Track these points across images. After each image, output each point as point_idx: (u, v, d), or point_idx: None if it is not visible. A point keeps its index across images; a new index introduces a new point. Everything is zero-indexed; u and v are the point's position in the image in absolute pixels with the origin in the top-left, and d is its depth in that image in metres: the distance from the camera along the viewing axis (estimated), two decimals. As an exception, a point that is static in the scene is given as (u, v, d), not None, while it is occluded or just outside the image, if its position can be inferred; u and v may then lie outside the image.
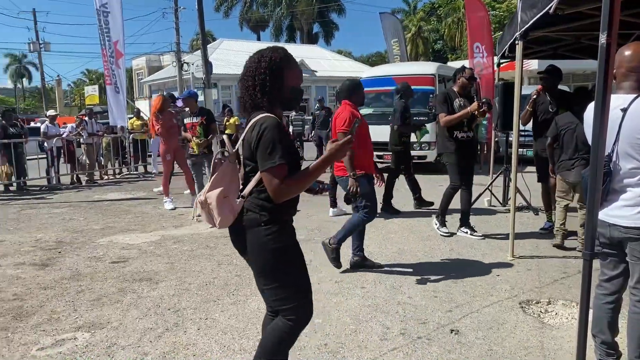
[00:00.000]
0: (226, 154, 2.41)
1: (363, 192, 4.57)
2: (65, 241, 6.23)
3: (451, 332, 3.50)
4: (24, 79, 65.06)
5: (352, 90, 4.98)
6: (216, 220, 2.33)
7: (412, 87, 11.29)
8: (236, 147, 2.41)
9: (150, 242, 6.10)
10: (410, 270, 4.79)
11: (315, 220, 7.08)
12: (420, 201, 7.84)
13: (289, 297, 2.34)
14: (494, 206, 7.69)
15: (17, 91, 65.68)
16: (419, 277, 4.61)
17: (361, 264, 4.91)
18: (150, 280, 4.68)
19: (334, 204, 7.50)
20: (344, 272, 4.82)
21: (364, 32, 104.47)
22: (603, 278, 2.77)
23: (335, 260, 4.73)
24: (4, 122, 10.96)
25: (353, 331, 3.55)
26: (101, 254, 5.61)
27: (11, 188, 10.97)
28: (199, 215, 2.44)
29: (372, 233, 6.26)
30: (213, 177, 2.37)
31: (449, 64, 21.23)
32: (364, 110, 12.45)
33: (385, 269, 4.89)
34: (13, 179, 10.94)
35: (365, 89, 12.65)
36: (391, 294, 4.22)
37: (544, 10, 3.98)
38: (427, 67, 12.42)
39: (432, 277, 4.61)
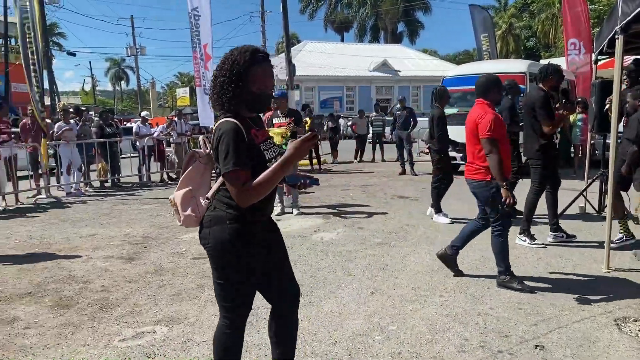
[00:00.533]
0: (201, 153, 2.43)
1: (501, 201, 4.18)
2: (151, 236, 6.50)
3: (536, 348, 3.26)
4: (122, 82, 69.45)
5: (490, 87, 4.57)
6: (180, 218, 2.38)
7: (502, 86, 10.85)
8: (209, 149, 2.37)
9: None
10: (494, 279, 4.53)
11: (393, 224, 6.92)
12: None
13: (232, 295, 2.36)
14: (588, 213, 7.16)
15: (116, 93, 70.25)
16: (502, 287, 4.35)
17: (447, 258, 4.68)
18: (228, 278, 4.75)
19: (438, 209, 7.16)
20: (422, 278, 4.65)
21: (451, 31, 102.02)
22: None
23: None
24: (101, 122, 11.73)
25: (429, 341, 3.40)
26: (184, 250, 5.80)
27: (106, 185, 11.68)
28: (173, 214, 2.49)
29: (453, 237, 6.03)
30: (182, 177, 2.41)
31: (542, 62, 20.14)
32: (449, 110, 12.09)
33: (467, 277, 4.66)
34: (108, 175, 11.65)
35: (451, 88, 12.31)
36: (471, 304, 4.01)
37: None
38: (518, 65, 11.84)
39: (517, 287, 4.32)
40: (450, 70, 13.61)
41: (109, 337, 3.55)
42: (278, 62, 25.83)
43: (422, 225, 6.77)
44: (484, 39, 18.26)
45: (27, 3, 9.88)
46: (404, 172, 12.33)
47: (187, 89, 41.43)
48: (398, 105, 13.44)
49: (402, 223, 6.90)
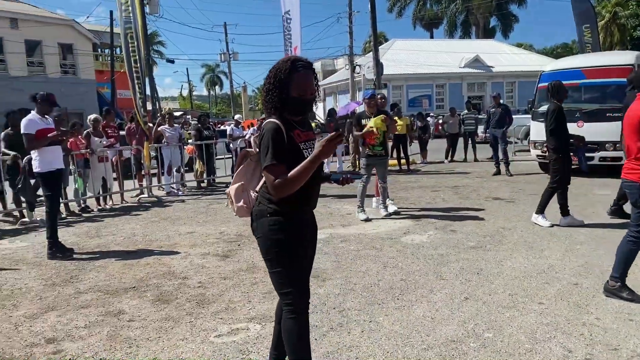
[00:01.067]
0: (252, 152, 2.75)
1: None
2: (245, 235, 6.70)
3: (652, 365, 2.98)
4: (216, 87, 72.52)
5: None
6: (234, 209, 2.73)
7: (606, 79, 10.03)
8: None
9: (319, 239, 6.25)
10: (599, 288, 4.21)
11: (488, 227, 6.65)
12: (618, 211, 6.81)
13: (287, 281, 2.56)
14: None
15: (210, 97, 73.52)
16: (609, 297, 4.02)
17: (617, 294, 4.03)
18: (318, 278, 4.78)
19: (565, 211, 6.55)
20: (520, 284, 4.42)
21: (547, 23, 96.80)
22: None
23: (632, 294, 3.97)
24: (199, 125, 12.29)
25: (528, 350, 3.21)
26: (275, 249, 5.91)
27: (202, 185, 12.22)
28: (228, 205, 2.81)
29: (553, 243, 5.69)
30: (236, 173, 2.79)
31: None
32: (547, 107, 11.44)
33: (568, 285, 4.37)
34: (204, 176, 12.18)
35: (548, 84, 11.61)
36: (575, 313, 3.74)
37: None
38: (625, 57, 10.95)
39: (627, 297, 3.98)
40: (548, 64, 12.87)
41: (206, 333, 3.69)
42: (365, 62, 25.79)
43: (519, 228, 6.44)
44: (585, 30, 17.15)
45: (130, 14, 10.53)
46: (498, 173, 11.82)
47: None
48: (492, 102, 12.90)
49: (497, 226, 6.61)
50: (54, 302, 4.44)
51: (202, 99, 77.54)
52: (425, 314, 3.86)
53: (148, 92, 15.44)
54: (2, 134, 8.39)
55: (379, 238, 6.19)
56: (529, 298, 4.09)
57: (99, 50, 34.96)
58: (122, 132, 11.50)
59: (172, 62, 40.02)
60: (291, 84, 2.46)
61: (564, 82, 11.15)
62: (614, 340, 3.30)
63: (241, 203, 2.70)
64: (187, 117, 24.47)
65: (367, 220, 7.26)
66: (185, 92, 67.14)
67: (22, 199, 8.21)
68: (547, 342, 3.31)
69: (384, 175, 7.67)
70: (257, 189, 2.63)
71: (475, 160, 15.26)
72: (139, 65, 10.63)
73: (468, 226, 6.67)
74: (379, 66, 16.81)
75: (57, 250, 5.90)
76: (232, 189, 2.73)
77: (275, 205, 2.51)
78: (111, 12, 26.71)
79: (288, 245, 2.53)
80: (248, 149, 2.82)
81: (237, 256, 5.70)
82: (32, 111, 6.00)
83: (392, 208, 7.67)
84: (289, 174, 2.40)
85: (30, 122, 5.86)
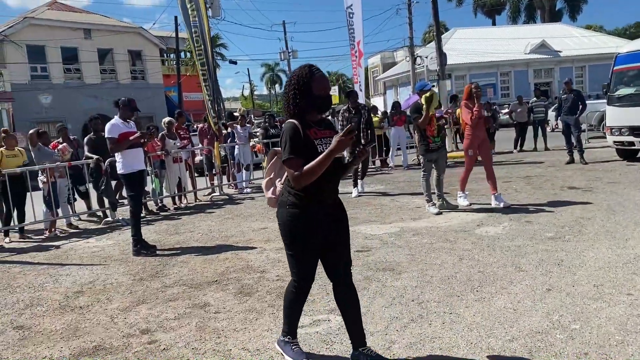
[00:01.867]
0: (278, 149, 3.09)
1: None
2: (316, 230, 6.82)
3: None
4: (276, 85, 73.46)
5: None
6: (266, 199, 3.21)
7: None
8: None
9: (390, 233, 6.30)
10: (694, 277, 4.02)
11: (565, 217, 6.43)
12: None
13: (295, 264, 3.04)
14: None
15: (271, 97, 74.58)
16: None
17: None
18: (393, 271, 4.82)
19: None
20: (605, 275, 4.28)
21: (618, 2, 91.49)
22: None
23: None
24: (267, 124, 12.56)
25: (619, 342, 3.12)
26: (347, 243, 5.98)
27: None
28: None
29: (637, 232, 5.45)
30: (267, 168, 3.23)
31: None
32: (626, 90, 10.91)
33: (659, 274, 4.18)
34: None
35: (626, 66, 11.12)
36: (668, 305, 3.59)
37: None
38: None
39: None
40: (625, 45, 12.22)
41: (289, 324, 3.80)
42: (426, 53, 25.39)
43: (598, 217, 6.20)
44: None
45: (197, 18, 10.87)
46: (572, 161, 11.36)
47: (337, 87, 42.53)
48: (564, 88, 12.40)
49: (575, 216, 6.38)
50: (143, 296, 4.71)
51: (262, 98, 78.79)
52: (506, 305, 3.82)
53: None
54: (86, 138, 8.94)
55: (452, 231, 6.14)
56: (616, 289, 3.95)
57: (165, 55, 36.32)
58: (195, 134, 11.93)
59: (234, 63, 41.09)
60: (313, 85, 2.84)
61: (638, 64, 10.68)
62: None
63: (270, 194, 3.14)
64: (250, 116, 25.04)
65: (439, 213, 7.19)
66: (246, 92, 68.47)
67: (105, 199, 8.73)
68: (639, 334, 3.20)
69: (444, 168, 7.63)
70: (282, 181, 3.02)
71: (546, 149, 14.73)
72: (206, 67, 10.98)
73: (544, 217, 6.48)
74: (442, 56, 16.50)
75: (142, 247, 6.23)
76: (263, 182, 3.23)
77: (293, 197, 2.88)
78: (176, 18, 27.65)
79: (302, 236, 2.92)
80: (276, 148, 3.19)
81: (311, 250, 5.81)
82: (115, 116, 6.36)
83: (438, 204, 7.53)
84: (305, 167, 2.75)
85: (114, 126, 6.21)
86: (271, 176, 3.17)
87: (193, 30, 10.96)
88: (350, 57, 13.46)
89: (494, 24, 51.01)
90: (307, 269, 3.06)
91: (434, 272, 4.69)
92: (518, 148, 15.17)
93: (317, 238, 2.95)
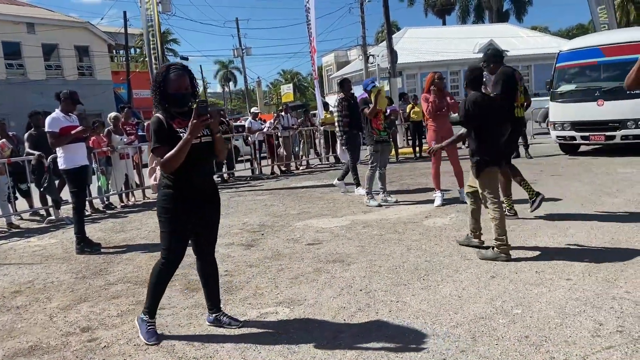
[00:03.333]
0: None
1: None
2: (267, 224, 6.76)
3: (685, 335, 2.96)
4: (230, 83, 72.66)
5: None
6: (151, 186, 3.74)
7: (627, 56, 9.92)
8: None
9: (341, 226, 6.31)
10: (626, 261, 4.19)
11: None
12: None
13: (167, 240, 3.30)
14: None
15: (225, 94, 73.71)
16: (639, 270, 4.00)
17: None
18: (343, 262, 4.82)
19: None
20: (546, 261, 4.41)
21: (561, 4, 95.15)
22: None
23: None
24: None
25: (558, 325, 3.21)
26: (298, 236, 5.96)
27: (217, 179, 12.28)
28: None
29: (578, 221, 5.66)
30: (149, 159, 3.62)
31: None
32: (567, 87, 11.31)
33: (595, 260, 4.34)
34: (224, 169, 12.27)
35: (567, 63, 11.49)
36: (604, 288, 3.72)
37: None
38: (643, 33, 10.78)
39: (657, 271, 3.96)
40: (567, 43, 12.69)
41: (246, 318, 3.73)
42: (379, 52, 25.64)
43: (542, 208, 6.38)
44: (600, 11, 16.87)
45: (152, 13, 10.60)
46: (517, 155, 11.67)
47: (291, 85, 42.45)
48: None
49: (521, 206, 6.55)
50: (85, 294, 4.54)
51: (216, 96, 77.78)
52: (452, 292, 3.87)
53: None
54: (26, 134, 8.54)
55: (401, 222, 6.20)
56: (557, 275, 4.07)
57: (114, 51, 35.32)
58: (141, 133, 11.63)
59: (186, 59, 39.83)
60: (167, 85, 3.17)
61: (582, 62, 11.11)
62: (645, 312, 3.29)
63: (152, 180, 3.51)
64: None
65: (379, 206, 7.29)
66: (199, 90, 67.43)
67: (48, 197, 8.38)
68: (577, 316, 3.30)
69: (386, 162, 7.75)
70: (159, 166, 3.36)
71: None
72: (159, 62, 10.72)
73: (490, 208, 6.63)
74: (393, 54, 16.70)
75: (85, 245, 6.01)
76: (147, 171, 3.69)
77: (166, 180, 3.23)
78: (125, 13, 27.06)
79: (173, 213, 3.23)
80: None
81: (261, 245, 5.75)
82: (56, 109, 6.11)
83: (380, 198, 7.63)
84: (170, 153, 3.09)
85: (54, 120, 5.96)
86: (153, 165, 3.52)
87: (148, 25, 10.69)
88: (305, 54, 13.60)
89: (444, 23, 52.06)
90: (177, 245, 3.31)
91: (382, 262, 4.72)
92: (466, 144, 15.52)
93: (187, 216, 3.25)
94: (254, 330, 3.50)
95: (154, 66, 10.86)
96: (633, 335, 3.00)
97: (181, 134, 3.13)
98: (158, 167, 3.36)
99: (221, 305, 3.94)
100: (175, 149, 3.08)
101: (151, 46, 10.74)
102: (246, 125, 13.81)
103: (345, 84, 8.52)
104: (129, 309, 4.07)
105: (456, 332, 3.21)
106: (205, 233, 3.44)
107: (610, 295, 3.59)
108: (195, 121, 3.01)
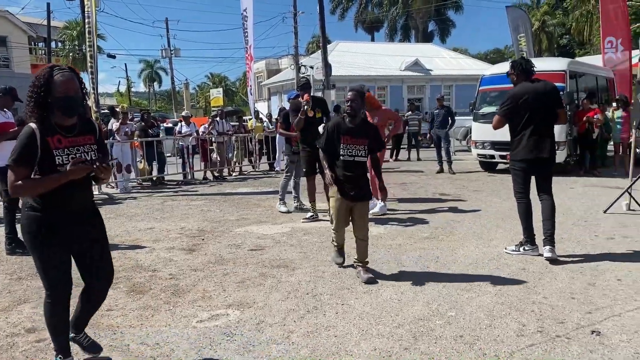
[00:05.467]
0: None
1: None
2: (207, 230, 6.82)
3: (592, 333, 3.42)
4: (155, 83, 70.66)
5: None
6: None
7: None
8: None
9: (282, 233, 6.51)
10: (543, 271, 4.70)
11: (438, 220, 7.08)
12: None
13: (41, 271, 2.79)
14: (634, 210, 7.19)
15: (150, 95, 71.55)
16: (554, 279, 4.50)
17: None
18: (287, 267, 5.02)
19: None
20: (474, 270, 4.84)
21: (481, 29, 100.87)
22: None
23: None
24: (143, 124, 12.07)
25: (488, 326, 3.59)
26: (240, 242, 6.09)
27: (144, 184, 12.04)
28: None
29: (499, 234, 6.18)
30: None
31: (578, 59, 19.96)
32: (488, 109, 12.16)
33: (517, 269, 4.82)
34: (153, 173, 12.07)
35: (489, 87, 12.35)
36: (525, 294, 4.17)
37: None
38: (558, 63, 11.82)
39: (568, 280, 4.48)
40: (489, 69, 13.64)
41: (187, 319, 3.84)
42: (310, 63, 26.12)
43: (467, 220, 6.93)
44: (520, 38, 18.22)
45: (91, 9, 10.34)
46: (442, 171, 12.44)
47: (221, 89, 42.05)
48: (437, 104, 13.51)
49: (447, 219, 7.07)
50: (24, 295, 4.44)
51: (139, 96, 75.29)
52: (392, 296, 4.18)
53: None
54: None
55: (339, 231, 6.50)
56: (484, 281, 4.49)
57: (34, 43, 33.49)
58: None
59: (113, 57, 38.57)
60: (53, 86, 2.65)
61: (502, 86, 11.99)
62: (561, 315, 3.74)
63: None
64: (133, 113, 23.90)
65: (288, 212, 7.67)
66: (123, 88, 65.09)
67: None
68: (503, 318, 3.70)
69: (300, 173, 7.87)
70: None
71: (419, 159, 15.91)
72: (94, 60, 10.45)
73: (420, 219, 7.10)
74: (327, 67, 17.14)
75: (17, 246, 5.81)
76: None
77: (31, 200, 2.69)
78: (48, 4, 25.68)
79: (42, 240, 2.71)
80: None
81: (203, 250, 5.83)
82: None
83: (293, 205, 7.95)
84: (30, 180, 2.60)
85: (-11, 115, 5.73)
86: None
87: (87, 20, 10.41)
88: (235, 60, 13.77)
89: (372, 39, 53.62)
90: (54, 276, 2.78)
91: (325, 268, 4.96)
92: (393, 157, 16.22)
93: (58, 243, 2.74)
94: (207, 331, 3.62)
95: (88, 63, 10.54)
96: (551, 334, 3.42)
97: (57, 159, 2.63)
98: None
99: (171, 307, 4.05)
100: (39, 182, 2.61)
101: (87, 43, 10.44)
102: (176, 130, 13.67)
103: (306, 87, 8.77)
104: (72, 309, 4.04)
105: (399, 332, 3.51)
106: (87, 259, 2.91)
107: (531, 300, 4.04)
108: (74, 168, 2.60)
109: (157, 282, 4.71)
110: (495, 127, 5.27)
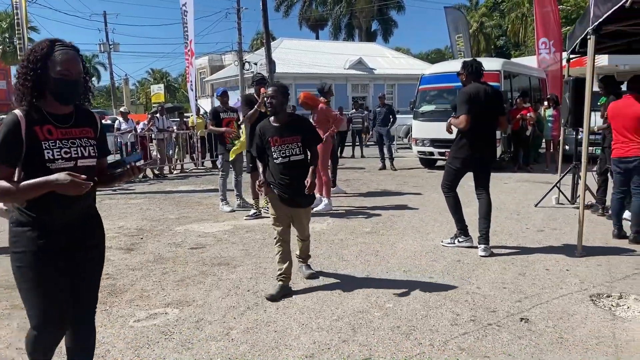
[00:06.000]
0: None
1: None
2: (146, 229, 6.67)
3: (521, 321, 3.59)
4: (94, 79, 68.21)
5: None
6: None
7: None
8: None
9: (224, 230, 6.45)
10: (477, 264, 4.88)
11: (379, 215, 7.22)
12: None
13: (27, 303, 2.26)
14: (562, 204, 7.59)
15: (88, 90, 68.83)
16: (487, 270, 4.69)
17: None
18: (229, 265, 4.98)
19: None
20: (411, 262, 4.97)
21: (423, 29, 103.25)
22: None
23: None
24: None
25: (424, 316, 3.70)
26: (180, 241, 5.99)
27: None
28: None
29: (437, 227, 6.36)
30: None
31: (513, 60, 20.80)
32: (427, 107, 12.48)
33: (452, 261, 4.99)
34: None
35: (428, 86, 12.66)
36: (459, 284, 4.33)
37: (619, 5, 3.98)
38: (493, 64, 12.26)
39: (500, 270, 4.67)
40: (428, 68, 14.00)
41: (124, 319, 3.75)
42: (254, 59, 25.94)
43: (406, 215, 7.10)
44: (458, 39, 18.77)
45: (18, 1, 9.87)
46: (384, 167, 12.67)
47: (162, 85, 41.10)
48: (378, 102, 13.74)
49: (388, 214, 7.22)
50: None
51: (76, 92, 72.35)
52: (332, 290, 4.24)
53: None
54: None
55: (282, 227, 6.51)
56: (421, 273, 4.63)
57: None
58: None
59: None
60: (50, 64, 2.17)
61: (440, 85, 12.35)
62: (492, 304, 3.90)
63: (1, 205, 2.41)
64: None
65: (232, 211, 7.61)
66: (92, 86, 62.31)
67: None
68: (438, 309, 3.83)
69: (241, 170, 7.93)
70: None
71: (362, 156, 16.13)
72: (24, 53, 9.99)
73: (362, 214, 7.22)
74: (271, 64, 17.09)
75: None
76: None
77: (19, 211, 2.20)
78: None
79: (30, 262, 2.19)
80: None
81: (141, 249, 5.69)
82: None
83: (236, 203, 7.92)
84: (16, 182, 2.11)
85: None
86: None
87: (16, 12, 9.93)
88: (177, 55, 13.45)
89: (317, 37, 53.83)
90: (45, 309, 2.23)
91: (267, 264, 4.96)
92: (338, 154, 16.36)
93: (55, 266, 2.23)
94: (145, 330, 3.55)
95: (19, 57, 10.05)
96: (483, 322, 3.57)
97: (46, 153, 2.14)
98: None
99: (107, 307, 3.94)
100: (22, 187, 2.08)
101: (17, 35, 9.97)
102: (115, 126, 13.26)
103: (261, 83, 8.85)
104: (4, 314, 3.90)
105: (338, 325, 3.56)
106: (82, 286, 2.41)
107: (465, 290, 4.19)
108: (76, 180, 2.07)
109: (92, 283, 4.56)
110: (465, 127, 5.14)
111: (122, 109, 14.22)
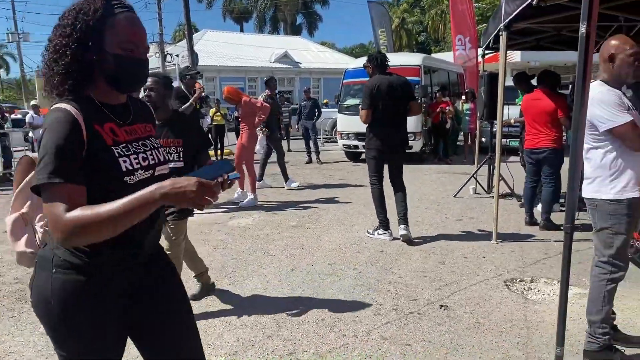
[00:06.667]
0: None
1: None
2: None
3: (440, 308, 3.71)
4: (2, 70, 63.76)
5: None
6: (15, 253, 1.72)
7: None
8: None
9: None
10: (400, 254, 5.00)
11: (305, 208, 7.23)
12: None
13: None
14: (479, 194, 7.93)
15: (-6, 82, 64.37)
16: (409, 260, 4.81)
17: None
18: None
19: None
20: (336, 255, 5.01)
21: (347, 24, 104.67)
22: None
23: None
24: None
25: (348, 307, 3.74)
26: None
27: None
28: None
29: (361, 219, 6.46)
30: (15, 193, 1.76)
31: (433, 55, 21.51)
32: (351, 101, 12.63)
33: (375, 252, 5.08)
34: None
35: (352, 80, 12.80)
36: (382, 274, 4.42)
37: (527, 2, 4.18)
38: (414, 59, 12.61)
39: (421, 259, 4.81)
40: (352, 63, 14.17)
41: (34, 325, 3.52)
42: (176, 51, 25.17)
43: (332, 208, 7.16)
44: (381, 33, 19.14)
45: None
46: (310, 161, 12.71)
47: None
48: (303, 96, 13.76)
49: (314, 207, 7.25)
50: None
51: (-19, 84, 67.38)
52: (257, 286, 4.20)
53: None
54: None
55: (206, 224, 6.36)
56: (345, 265, 4.68)
57: None
58: None
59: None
60: (108, 34, 1.47)
61: (363, 79, 12.52)
62: (414, 292, 4.01)
63: (21, 246, 1.70)
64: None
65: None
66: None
67: None
68: (362, 299, 3.88)
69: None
70: (45, 221, 1.64)
71: (289, 150, 16.09)
72: None
73: (288, 208, 7.20)
74: (193, 55, 16.66)
75: None
76: (9, 220, 1.73)
77: (67, 250, 1.48)
78: None
79: (85, 321, 1.50)
80: (32, 154, 1.76)
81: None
82: None
83: None
84: (87, 209, 1.34)
85: None
86: (24, 210, 1.74)
87: None
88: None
89: (242, 30, 53.16)
90: None
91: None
92: (282, 149, 16.23)
93: (115, 321, 1.57)
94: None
95: None
96: (405, 311, 3.66)
97: (123, 162, 1.49)
98: (39, 220, 1.72)
99: (16, 314, 3.70)
100: (113, 209, 1.32)
101: None
102: (27, 120, 12.47)
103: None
104: None
105: (262, 321, 3.53)
106: (164, 339, 1.70)
107: (387, 280, 4.28)
108: (208, 187, 1.36)
109: (0, 288, 4.27)
110: (365, 121, 5.47)
111: (33, 103, 13.37)
